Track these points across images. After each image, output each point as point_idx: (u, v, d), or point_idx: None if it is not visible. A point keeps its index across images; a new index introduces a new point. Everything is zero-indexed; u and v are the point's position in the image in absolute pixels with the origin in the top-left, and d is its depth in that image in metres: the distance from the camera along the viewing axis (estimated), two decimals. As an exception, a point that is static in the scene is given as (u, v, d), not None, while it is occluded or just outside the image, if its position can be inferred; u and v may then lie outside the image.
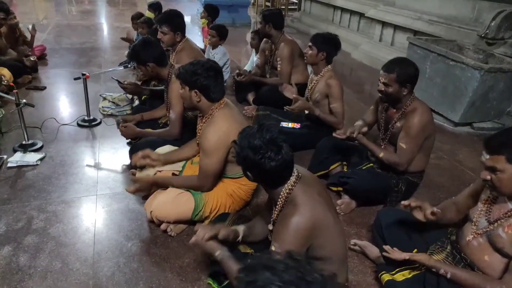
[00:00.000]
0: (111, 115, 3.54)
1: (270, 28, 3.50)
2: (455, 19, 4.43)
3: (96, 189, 2.48)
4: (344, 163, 2.65)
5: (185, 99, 2.09)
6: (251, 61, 4.46)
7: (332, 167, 2.63)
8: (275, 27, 3.52)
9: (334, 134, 2.40)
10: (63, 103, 3.85)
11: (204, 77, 1.97)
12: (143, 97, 3.43)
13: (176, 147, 2.46)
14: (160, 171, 2.31)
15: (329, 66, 2.87)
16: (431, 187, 2.68)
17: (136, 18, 4.97)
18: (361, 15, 6.18)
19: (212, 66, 2.02)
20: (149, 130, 2.75)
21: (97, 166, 2.75)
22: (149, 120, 2.93)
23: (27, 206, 2.28)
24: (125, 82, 3.14)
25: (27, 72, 4.23)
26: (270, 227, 1.57)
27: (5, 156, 2.73)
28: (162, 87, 3.12)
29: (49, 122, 3.26)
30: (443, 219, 1.72)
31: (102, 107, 3.58)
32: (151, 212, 2.05)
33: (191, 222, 2.08)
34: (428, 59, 3.80)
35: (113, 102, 3.62)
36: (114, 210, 2.30)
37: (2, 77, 3.56)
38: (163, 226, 2.09)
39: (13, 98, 2.74)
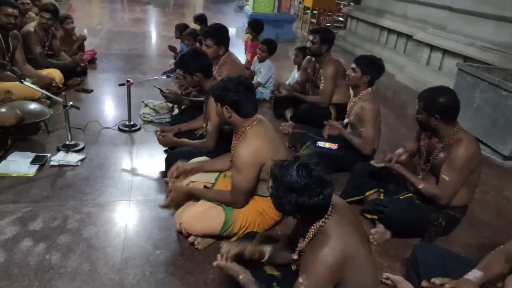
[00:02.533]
0: (151, 121, 3.62)
1: (324, 48, 3.46)
2: (510, 46, 4.21)
3: (130, 195, 2.53)
4: (381, 190, 2.54)
5: (219, 115, 2.11)
6: (292, 77, 4.44)
7: (368, 193, 2.53)
8: (328, 48, 3.48)
9: (371, 163, 2.32)
10: (106, 106, 3.99)
11: (234, 93, 1.98)
12: (183, 106, 3.50)
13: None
14: (193, 182, 2.32)
15: (369, 89, 2.80)
16: (474, 224, 2.51)
17: (181, 29, 5.12)
18: (409, 37, 6.02)
19: (242, 81, 2.03)
20: (186, 140, 2.78)
21: (133, 172, 2.81)
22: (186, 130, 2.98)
23: (64, 205, 2.36)
24: (167, 91, 3.22)
25: (77, 74, 4.44)
26: (295, 256, 1.51)
27: (49, 155, 2.85)
28: (202, 99, 3.18)
29: (92, 124, 3.39)
30: (491, 278, 1.55)
31: (143, 113, 3.68)
32: (180, 223, 2.06)
33: (219, 237, 2.06)
34: (478, 88, 3.61)
35: (154, 109, 3.71)
36: (145, 217, 2.32)
37: (53, 79, 3.74)
38: (191, 239, 2.08)
39: (61, 100, 2.87)
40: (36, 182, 2.56)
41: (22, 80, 2.82)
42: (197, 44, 4.43)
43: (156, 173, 2.81)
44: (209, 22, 5.65)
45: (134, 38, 7.18)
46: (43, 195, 2.43)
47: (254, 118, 2.06)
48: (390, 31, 6.56)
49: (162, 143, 2.79)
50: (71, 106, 2.86)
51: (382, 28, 6.79)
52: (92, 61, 5.18)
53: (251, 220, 2.10)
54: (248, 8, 8.31)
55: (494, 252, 1.62)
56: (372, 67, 2.73)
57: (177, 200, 2.16)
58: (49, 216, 2.24)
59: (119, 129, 3.42)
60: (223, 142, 2.65)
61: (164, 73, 3.62)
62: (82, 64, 4.51)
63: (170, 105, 3.69)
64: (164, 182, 2.58)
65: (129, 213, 2.35)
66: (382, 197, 2.49)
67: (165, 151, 3.07)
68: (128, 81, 3.29)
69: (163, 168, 2.79)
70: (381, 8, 7.07)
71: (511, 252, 1.57)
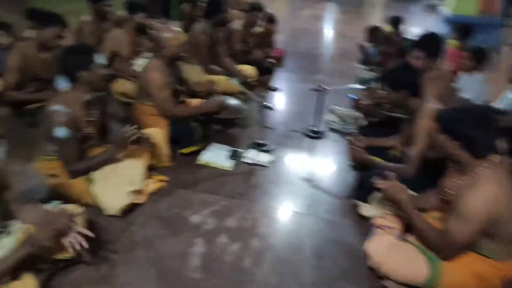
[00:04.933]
0: (336, 130, 3.50)
1: None
2: None
3: (313, 208, 2.44)
4: None
5: (442, 148, 1.79)
6: (506, 99, 3.68)
7: None
8: None
9: None
10: (292, 108, 4.02)
11: (471, 128, 1.63)
12: (373, 120, 3.26)
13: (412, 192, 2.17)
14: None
15: None
16: None
17: (372, 31, 4.83)
18: None
19: (483, 114, 1.66)
20: (380, 160, 2.55)
21: (316, 183, 2.72)
22: (376, 147, 2.75)
23: (254, 206, 2.42)
24: (362, 101, 3.03)
25: (266, 72, 4.64)
26: None
27: (243, 151, 3.00)
28: (401, 115, 2.87)
29: (278, 125, 3.45)
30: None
31: (329, 120, 3.58)
32: (375, 261, 1.85)
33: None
34: None
35: (341, 118, 3.57)
36: (330, 239, 2.20)
37: (250, 77, 3.96)
38: (388, 284, 1.85)
39: (258, 99, 2.97)
40: (232, 177, 2.72)
41: (230, 78, 3.02)
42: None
43: (341, 191, 2.65)
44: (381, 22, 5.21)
45: (317, 37, 7.22)
46: (237, 192, 2.56)
47: (492, 158, 1.68)
48: None
49: (352, 157, 2.62)
50: (266, 106, 2.94)
51: None
52: (279, 59, 5.36)
53: (462, 282, 1.74)
54: (445, 9, 7.39)
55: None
56: None
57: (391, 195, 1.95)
58: (241, 215, 2.33)
59: (305, 134, 3.40)
60: (422, 171, 2.33)
61: (361, 82, 3.42)
62: (271, 61, 4.69)
63: (359, 115, 3.49)
64: (352, 205, 2.43)
65: (313, 230, 2.26)
66: None
67: (352, 166, 2.90)
68: (320, 87, 3.21)
69: (347, 184, 2.64)
70: None
71: None
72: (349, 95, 3.34)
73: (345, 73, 5.11)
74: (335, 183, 2.74)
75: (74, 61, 2.11)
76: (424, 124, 2.30)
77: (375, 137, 2.83)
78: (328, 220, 2.35)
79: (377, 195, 2.27)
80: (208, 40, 3.75)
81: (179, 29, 2.84)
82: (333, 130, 3.51)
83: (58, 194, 2.28)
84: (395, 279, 1.82)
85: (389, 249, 1.87)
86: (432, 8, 10.43)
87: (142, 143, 2.37)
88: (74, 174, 2.19)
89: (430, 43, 2.85)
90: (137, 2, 3.53)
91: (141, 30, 3.61)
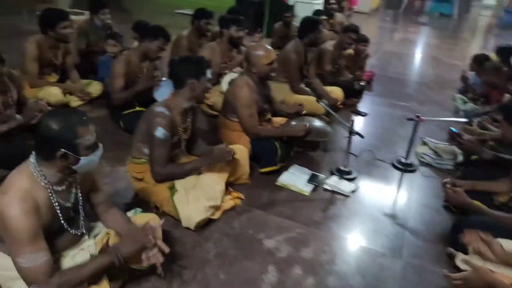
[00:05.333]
0: (429, 165, 3.17)
1: None
2: None
3: (401, 252, 2.19)
4: None
5: None
6: None
7: None
8: None
9: None
10: (381, 136, 3.74)
11: None
12: (475, 157, 2.90)
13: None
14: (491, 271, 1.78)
15: None
16: None
17: (479, 59, 4.38)
18: None
19: None
20: (482, 205, 2.21)
21: (404, 223, 2.46)
22: (478, 191, 2.41)
23: (331, 238, 2.25)
24: (465, 137, 2.70)
25: (354, 94, 4.44)
26: None
27: (323, 176, 2.85)
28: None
29: (364, 152, 3.22)
30: None
31: (422, 153, 3.27)
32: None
33: None
34: None
35: (435, 151, 3.24)
36: (417, 286, 1.94)
37: (337, 100, 3.81)
38: None
39: (348, 125, 2.80)
40: (310, 203, 2.58)
41: (319, 100, 2.90)
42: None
43: (432, 234, 2.36)
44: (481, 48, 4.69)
45: (410, 61, 6.82)
46: (314, 220, 2.41)
47: None
48: None
49: (450, 198, 2.31)
50: (356, 133, 2.76)
51: None
52: (369, 82, 5.12)
53: None
54: None
55: None
56: None
57: (472, 284, 1.69)
58: (318, 246, 2.17)
59: (393, 165, 3.13)
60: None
61: (460, 115, 3.08)
62: (362, 84, 4.48)
63: (458, 151, 3.13)
64: (446, 253, 2.14)
65: (398, 274, 2.02)
66: None
67: (445, 206, 2.59)
68: (417, 117, 2.94)
69: (440, 227, 2.35)
70: None
71: None
72: (451, 128, 3.01)
73: (441, 102, 4.70)
74: (424, 224, 2.45)
75: (189, 68, 2.21)
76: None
77: (476, 179, 2.50)
78: (416, 266, 2.09)
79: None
80: (298, 59, 3.69)
81: (270, 47, 2.81)
82: (425, 164, 3.19)
83: (141, 198, 2.35)
84: None
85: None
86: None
87: (231, 161, 2.37)
88: (160, 176, 2.24)
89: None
90: (229, 16, 3.61)
91: (234, 43, 3.69)
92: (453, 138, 3.43)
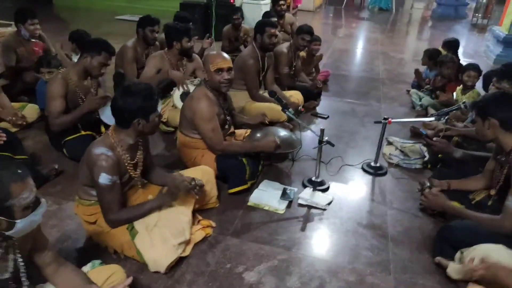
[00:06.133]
0: (397, 165, 3.11)
1: None
2: None
3: (389, 267, 2.07)
4: None
5: None
6: None
7: None
8: None
9: None
10: (346, 139, 3.61)
11: None
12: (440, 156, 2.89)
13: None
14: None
15: None
16: None
17: (432, 54, 4.46)
18: None
19: None
20: (466, 210, 2.15)
21: (386, 233, 2.34)
22: (456, 191, 2.37)
23: (317, 262, 2.07)
24: (435, 139, 2.65)
25: (313, 97, 4.33)
26: None
27: (295, 189, 2.68)
28: (485, 154, 2.48)
29: (331, 158, 3.10)
30: None
31: (389, 153, 3.21)
32: None
33: None
34: None
35: (401, 151, 3.19)
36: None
37: (298, 105, 3.67)
38: None
39: (317, 134, 2.65)
40: (286, 223, 2.39)
41: (285, 110, 2.72)
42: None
43: (415, 243, 2.26)
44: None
45: (360, 58, 6.88)
46: (294, 241, 2.22)
47: None
48: None
49: (430, 203, 2.23)
50: (328, 142, 2.61)
51: None
52: (325, 82, 5.05)
53: None
54: (499, 28, 6.88)
55: None
56: None
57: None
58: (303, 272, 1.99)
59: (363, 169, 3.04)
60: None
61: (435, 115, 3.04)
62: (319, 86, 4.38)
63: (424, 149, 3.10)
64: (435, 263, 2.05)
65: (393, 295, 1.90)
66: None
67: (423, 210, 2.52)
68: (385, 119, 2.86)
69: (420, 234, 2.30)
70: None
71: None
72: (421, 130, 2.97)
73: (397, 98, 4.72)
74: (405, 232, 2.35)
75: (137, 107, 1.82)
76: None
77: (450, 179, 2.45)
78: (407, 282, 1.97)
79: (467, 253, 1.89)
80: (256, 65, 3.49)
81: (224, 54, 2.57)
82: (393, 165, 3.13)
83: (97, 243, 2.04)
84: None
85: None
86: (475, 27, 9.90)
87: (197, 193, 2.09)
88: (115, 224, 1.94)
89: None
90: (180, 27, 3.33)
91: (185, 53, 3.41)
92: (418, 135, 3.44)
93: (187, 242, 2.04)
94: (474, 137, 2.89)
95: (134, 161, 2.01)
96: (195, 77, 3.58)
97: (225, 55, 2.54)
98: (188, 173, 2.29)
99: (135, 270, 1.89)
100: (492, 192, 2.22)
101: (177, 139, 2.82)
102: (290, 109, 2.76)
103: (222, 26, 5.49)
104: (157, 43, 3.88)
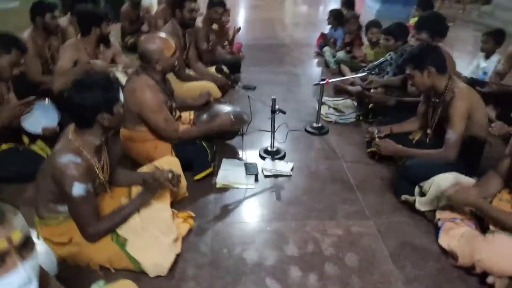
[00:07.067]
0: (336, 123, 3.33)
1: None
2: None
3: (367, 214, 2.25)
4: None
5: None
6: (476, 67, 3.84)
7: None
8: None
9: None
10: (283, 105, 3.69)
11: None
12: (371, 105, 3.18)
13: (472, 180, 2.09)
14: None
15: None
16: None
17: (337, 14, 4.79)
18: None
19: None
20: (413, 149, 2.43)
21: (353, 185, 2.52)
22: (397, 134, 2.65)
23: (306, 225, 2.15)
24: (372, 91, 2.89)
25: (237, 69, 4.30)
26: None
27: (255, 162, 2.69)
28: (416, 99, 2.80)
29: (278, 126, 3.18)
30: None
31: (325, 113, 3.40)
32: (477, 260, 1.72)
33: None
34: None
35: (335, 109, 3.41)
36: (399, 243, 2.03)
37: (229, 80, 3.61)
38: (490, 280, 1.74)
39: (269, 105, 2.67)
40: (260, 195, 2.41)
41: (235, 84, 2.66)
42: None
43: (379, 189, 2.48)
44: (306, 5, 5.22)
45: (261, 27, 6.97)
46: (275, 211, 2.27)
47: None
48: None
49: (382, 149, 2.46)
50: (280, 111, 2.66)
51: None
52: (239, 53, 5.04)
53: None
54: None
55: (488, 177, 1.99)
56: None
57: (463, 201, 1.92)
58: (298, 238, 2.05)
59: (308, 131, 3.18)
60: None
61: (366, 70, 3.28)
62: (242, 58, 4.37)
63: (355, 103, 3.37)
64: (403, 201, 2.30)
65: (380, 235, 2.07)
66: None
67: (371, 156, 2.77)
68: (323, 80, 3.01)
69: (378, 179, 2.55)
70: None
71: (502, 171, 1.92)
72: (361, 85, 3.20)
73: (309, 60, 4.99)
74: (367, 180, 2.57)
75: (98, 100, 1.59)
76: (461, 105, 2.22)
77: (388, 125, 2.73)
78: (387, 223, 2.18)
79: (432, 188, 2.14)
80: (178, 43, 3.31)
81: (163, 34, 2.39)
82: (332, 122, 3.34)
83: (76, 265, 1.79)
84: (500, 273, 1.71)
85: (479, 243, 1.76)
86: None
87: (176, 184, 1.94)
88: (96, 237, 1.73)
89: (434, 24, 2.79)
90: (99, 12, 2.95)
91: (103, 39, 3.05)
92: (341, 92, 3.69)
93: (176, 239, 1.93)
94: (395, 86, 3.25)
95: (101, 163, 1.79)
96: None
97: (164, 34, 2.36)
98: (152, 166, 2.13)
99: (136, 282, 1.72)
100: (429, 131, 2.53)
101: (119, 135, 2.57)
102: (240, 83, 2.72)
103: (117, 6, 5.03)
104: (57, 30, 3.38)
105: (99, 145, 1.74)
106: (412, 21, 4.60)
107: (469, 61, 4.24)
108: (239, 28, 4.64)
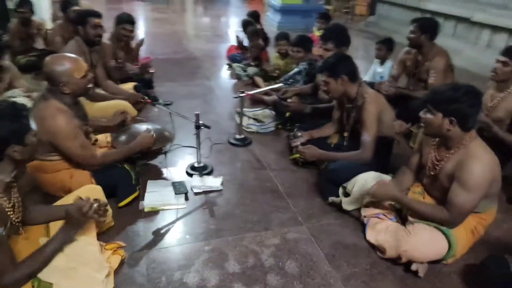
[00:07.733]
0: (257, 133, 3.40)
1: (425, 39, 3.29)
2: None
3: (299, 220, 2.33)
4: None
5: (432, 126, 1.90)
6: (373, 72, 4.26)
7: None
8: (431, 38, 3.32)
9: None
10: (201, 120, 3.67)
11: (468, 106, 1.79)
12: (288, 114, 3.32)
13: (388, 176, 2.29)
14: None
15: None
16: None
17: (245, 25, 4.90)
18: (459, 19, 5.92)
19: (474, 91, 1.83)
20: (334, 152, 2.60)
21: (282, 193, 2.58)
22: (317, 139, 2.81)
23: (243, 239, 2.14)
24: (288, 101, 3.02)
25: (148, 85, 4.14)
26: None
27: (183, 180, 2.61)
28: (330, 104, 2.99)
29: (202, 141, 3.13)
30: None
31: (247, 124, 3.45)
32: (403, 251, 1.89)
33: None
34: None
35: (255, 119, 3.48)
36: (332, 243, 2.14)
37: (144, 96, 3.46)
38: (414, 267, 1.91)
39: (193, 120, 2.62)
40: (193, 214, 2.34)
41: (155, 103, 2.55)
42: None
43: (307, 195, 2.58)
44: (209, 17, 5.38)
45: (169, 40, 6.82)
46: (213, 229, 2.22)
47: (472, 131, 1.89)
48: (435, 14, 6.42)
49: (306, 156, 2.59)
50: (204, 126, 2.62)
51: (424, 11, 6.66)
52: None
53: (464, 242, 1.95)
54: (275, 0, 8.01)
55: (402, 171, 2.22)
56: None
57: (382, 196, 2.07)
58: (238, 254, 2.03)
59: (232, 144, 3.19)
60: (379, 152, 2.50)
61: (282, 81, 3.38)
62: (151, 71, 4.22)
63: (274, 113, 3.47)
64: (330, 203, 2.43)
65: (314, 240, 2.16)
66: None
67: (295, 163, 2.88)
68: (242, 92, 3.05)
69: (305, 184, 2.64)
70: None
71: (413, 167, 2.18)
72: (278, 96, 3.30)
73: (221, 73, 5.03)
74: (295, 187, 2.66)
75: (5, 133, 1.42)
76: (371, 108, 2.44)
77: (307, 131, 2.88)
78: (319, 226, 2.28)
79: (353, 187, 2.31)
80: (86, 61, 3.06)
81: (72, 55, 2.21)
82: (254, 133, 3.40)
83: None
84: (422, 260, 1.90)
85: (403, 236, 1.93)
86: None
87: (101, 215, 1.76)
88: (15, 285, 1.50)
89: (338, 35, 3.02)
90: None
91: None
92: (257, 102, 3.79)
93: (108, 274, 1.77)
94: (307, 93, 3.45)
95: (12, 202, 1.57)
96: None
97: (72, 55, 2.18)
98: (73, 197, 1.93)
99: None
100: (346, 134, 2.72)
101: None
102: (161, 101, 2.62)
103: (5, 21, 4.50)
104: None
105: (9, 181, 1.52)
106: (318, 32, 4.94)
107: (364, 66, 4.67)
108: (142, 40, 4.47)
